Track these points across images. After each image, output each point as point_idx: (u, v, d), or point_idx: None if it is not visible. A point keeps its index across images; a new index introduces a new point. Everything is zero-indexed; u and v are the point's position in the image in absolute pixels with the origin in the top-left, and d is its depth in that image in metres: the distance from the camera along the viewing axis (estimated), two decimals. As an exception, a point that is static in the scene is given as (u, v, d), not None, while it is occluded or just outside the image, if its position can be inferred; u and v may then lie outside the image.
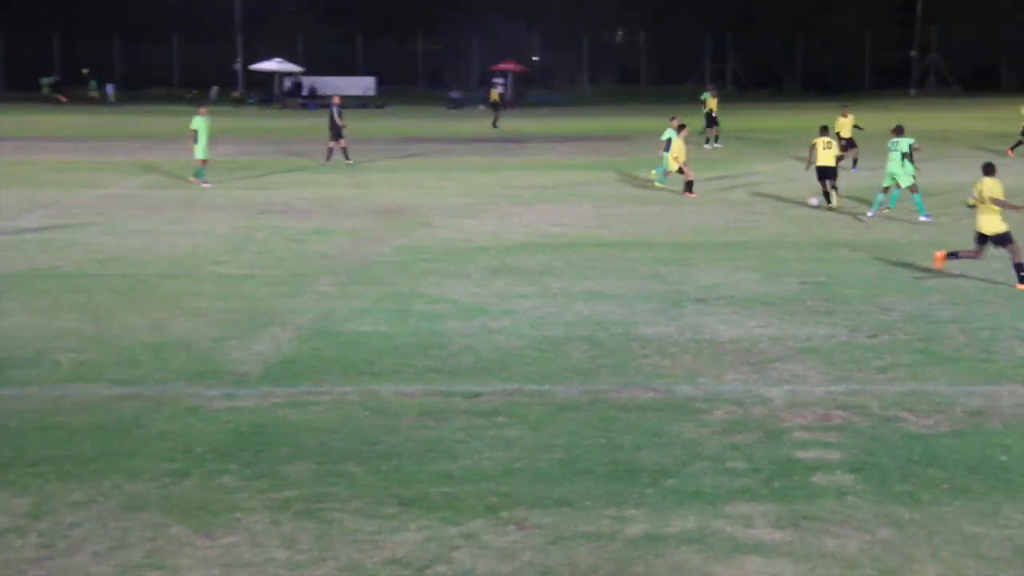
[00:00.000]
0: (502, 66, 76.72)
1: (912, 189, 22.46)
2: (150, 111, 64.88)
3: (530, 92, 77.75)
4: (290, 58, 76.65)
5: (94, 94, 76.58)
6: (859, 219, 22.68)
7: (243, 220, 23.49)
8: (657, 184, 28.49)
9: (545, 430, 10.02)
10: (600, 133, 48.97)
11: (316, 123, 51.33)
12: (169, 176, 31.79)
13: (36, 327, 14.03)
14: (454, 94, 73.55)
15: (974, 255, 16.45)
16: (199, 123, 30.32)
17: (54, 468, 9.17)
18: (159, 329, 13.88)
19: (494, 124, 53.12)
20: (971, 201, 16.48)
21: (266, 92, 76.20)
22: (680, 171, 27.17)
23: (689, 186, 26.92)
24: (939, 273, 16.69)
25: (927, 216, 22.33)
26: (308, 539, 7.86)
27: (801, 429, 9.98)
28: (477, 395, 11.03)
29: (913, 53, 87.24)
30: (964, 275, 16.71)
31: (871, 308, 14.67)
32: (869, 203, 23.78)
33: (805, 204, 24.53)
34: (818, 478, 8.84)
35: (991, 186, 16.02)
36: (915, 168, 22.73)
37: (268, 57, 75.06)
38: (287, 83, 76.81)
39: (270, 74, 76.49)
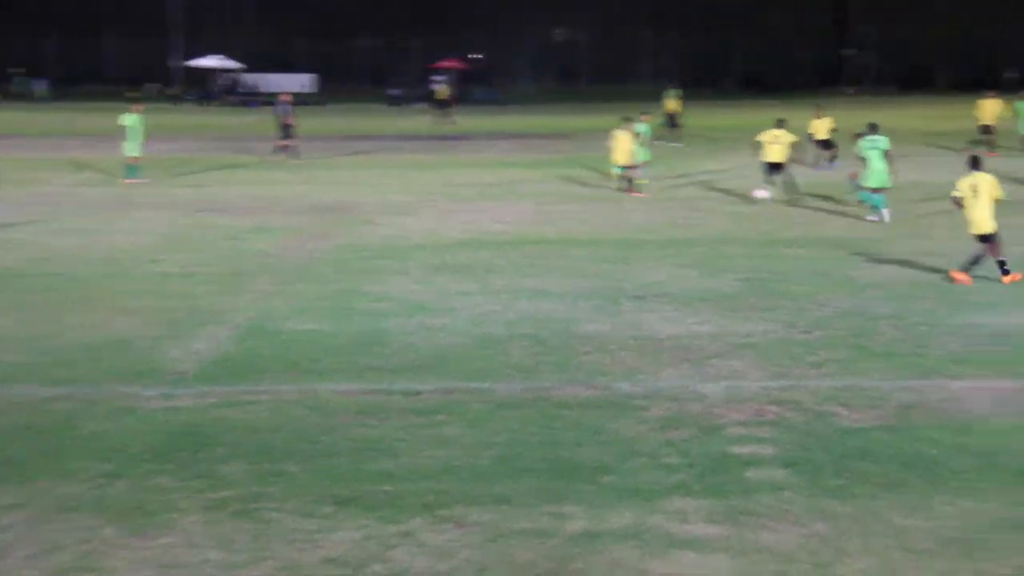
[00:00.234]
0: (443, 64, 76.64)
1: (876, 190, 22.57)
2: (85, 108, 63.93)
3: (476, 90, 77.75)
4: (229, 55, 76.02)
5: (19, 90, 75.32)
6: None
7: (181, 218, 23.25)
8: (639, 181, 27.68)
9: (485, 428, 10.02)
10: (542, 131, 49.09)
11: (258, 120, 50.99)
12: (105, 174, 31.36)
13: (-33, 327, 13.78)
14: (394, 91, 73.33)
15: (988, 253, 16.04)
16: (131, 120, 29.91)
17: (-16, 471, 9.01)
18: (95, 329, 13.69)
19: (452, 122, 52.97)
20: (958, 194, 16.25)
21: (204, 89, 75.47)
22: (627, 168, 27.26)
23: (629, 182, 27.13)
24: (878, 269, 16.87)
25: (877, 217, 22.41)
26: (245, 539, 7.80)
27: (737, 425, 10.07)
28: (417, 393, 11.00)
29: (849, 52, 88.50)
30: (903, 270, 16.97)
31: (810, 304, 14.81)
32: (841, 200, 24.13)
33: (752, 201, 24.66)
34: (753, 473, 8.92)
35: (992, 183, 16.12)
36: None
37: (206, 54, 74.38)
38: (224, 80, 76.08)
39: (209, 71, 75.79)
